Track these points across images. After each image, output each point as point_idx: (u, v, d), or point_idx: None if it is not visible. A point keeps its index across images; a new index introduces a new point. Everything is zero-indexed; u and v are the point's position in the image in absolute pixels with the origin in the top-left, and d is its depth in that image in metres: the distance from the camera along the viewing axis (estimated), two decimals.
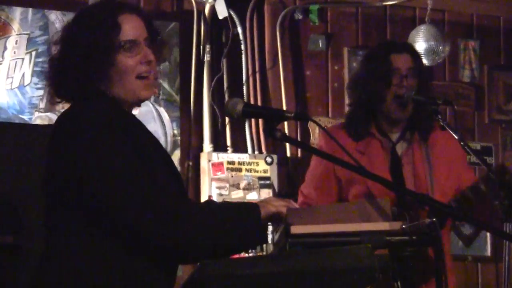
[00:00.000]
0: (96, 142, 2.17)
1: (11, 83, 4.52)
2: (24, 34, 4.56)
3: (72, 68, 2.28)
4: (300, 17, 5.04)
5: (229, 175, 4.72)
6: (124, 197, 2.13)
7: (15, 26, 4.51)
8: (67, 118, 2.30)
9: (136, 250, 2.17)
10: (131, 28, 2.30)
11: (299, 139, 4.84)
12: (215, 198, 4.67)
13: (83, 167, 2.16)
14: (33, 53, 4.57)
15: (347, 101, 3.88)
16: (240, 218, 2.25)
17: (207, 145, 4.78)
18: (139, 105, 2.53)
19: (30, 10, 4.56)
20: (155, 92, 2.29)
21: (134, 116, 2.38)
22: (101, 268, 2.16)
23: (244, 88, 4.94)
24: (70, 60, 2.29)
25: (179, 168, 3.98)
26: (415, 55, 3.31)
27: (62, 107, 4.40)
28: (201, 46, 4.78)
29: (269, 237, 2.55)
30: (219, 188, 4.68)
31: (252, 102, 4.86)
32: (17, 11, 4.51)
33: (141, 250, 2.16)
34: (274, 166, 4.79)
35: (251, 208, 2.29)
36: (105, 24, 2.28)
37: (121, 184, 2.14)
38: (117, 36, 2.26)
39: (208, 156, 4.69)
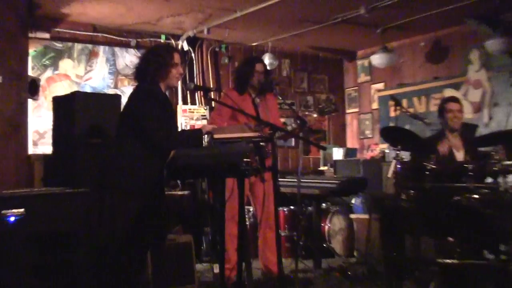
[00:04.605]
0: (149, 103, 3.32)
1: (99, 77, 6.81)
2: (103, 57, 6.96)
3: (150, 71, 3.51)
4: (218, 49, 7.35)
5: (190, 115, 6.85)
6: (154, 128, 3.30)
7: (100, 53, 6.93)
8: (140, 90, 3.45)
9: (153, 148, 3.31)
10: (177, 58, 3.64)
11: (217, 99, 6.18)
12: (183, 125, 6.74)
13: (141, 112, 3.34)
14: (107, 65, 6.83)
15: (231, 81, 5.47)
16: (193, 135, 3.40)
17: (180, 103, 7.10)
18: (172, 88, 3.62)
19: (107, 47, 6.86)
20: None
21: (165, 93, 3.46)
22: (140, 154, 3.33)
23: (195, 79, 7.24)
24: (150, 69, 3.51)
25: None
26: (264, 64, 4.67)
27: (121, 84, 7.29)
28: None
29: (205, 139, 3.54)
30: (185, 121, 6.90)
31: (198, 83, 7.03)
32: (101, 47, 6.94)
33: (155, 148, 3.31)
34: (207, 111, 7.02)
35: (197, 130, 3.42)
36: (169, 56, 3.57)
37: (155, 122, 3.29)
38: (173, 60, 3.60)
39: (180, 108, 6.98)
